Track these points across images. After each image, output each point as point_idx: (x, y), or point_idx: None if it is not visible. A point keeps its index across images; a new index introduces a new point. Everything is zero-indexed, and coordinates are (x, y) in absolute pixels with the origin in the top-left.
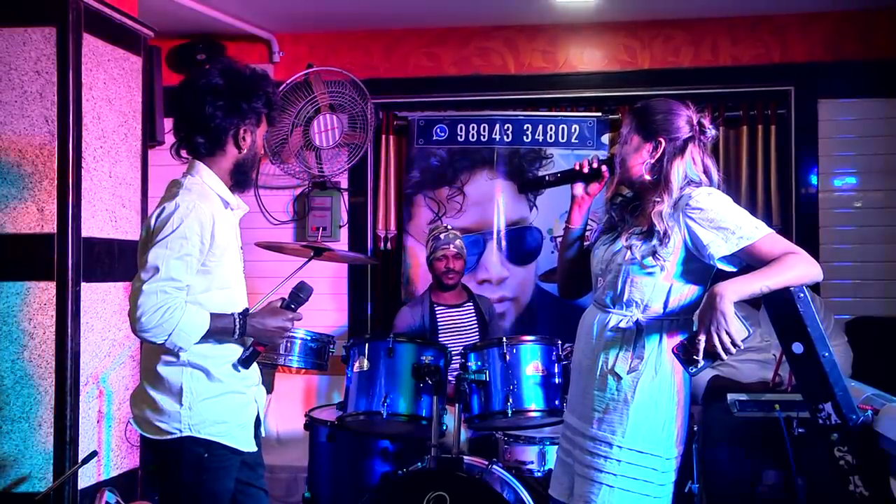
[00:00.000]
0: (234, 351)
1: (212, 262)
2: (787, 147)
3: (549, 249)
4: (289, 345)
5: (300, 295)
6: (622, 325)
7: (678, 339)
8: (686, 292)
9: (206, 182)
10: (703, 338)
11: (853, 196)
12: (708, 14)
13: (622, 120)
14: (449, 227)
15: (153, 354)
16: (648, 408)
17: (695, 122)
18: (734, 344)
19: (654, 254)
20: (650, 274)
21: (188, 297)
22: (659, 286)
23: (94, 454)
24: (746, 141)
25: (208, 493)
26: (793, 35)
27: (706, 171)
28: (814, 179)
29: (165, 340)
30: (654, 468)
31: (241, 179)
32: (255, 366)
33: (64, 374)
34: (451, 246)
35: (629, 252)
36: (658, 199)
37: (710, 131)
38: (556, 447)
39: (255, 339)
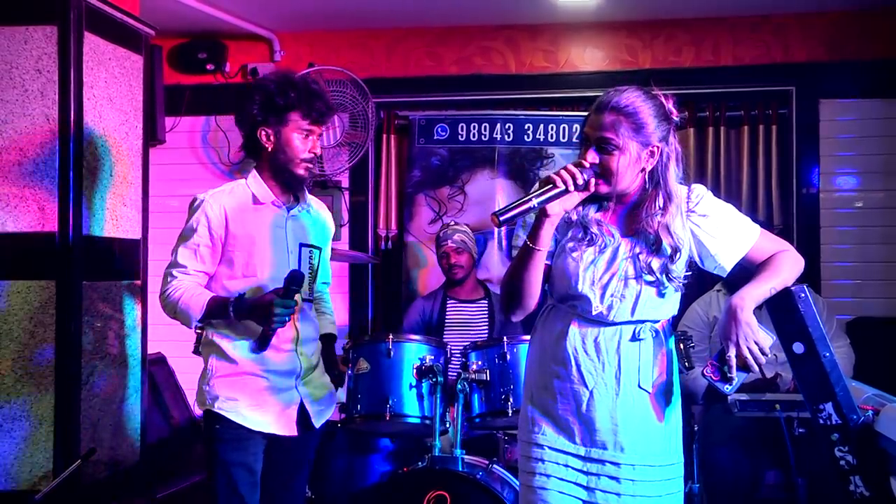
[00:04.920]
0: (252, 336)
1: (231, 251)
2: (788, 147)
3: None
4: None
5: (291, 284)
6: (641, 335)
7: (672, 342)
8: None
9: (248, 181)
10: (733, 352)
11: (854, 196)
12: (709, 14)
13: (599, 119)
14: (454, 222)
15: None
16: (672, 420)
17: (672, 110)
18: (763, 352)
19: (668, 269)
20: (666, 288)
21: (215, 283)
22: (672, 296)
23: (92, 451)
24: (747, 141)
25: (220, 460)
26: (794, 35)
27: (678, 162)
28: (815, 179)
29: (174, 316)
30: (682, 476)
31: (283, 179)
32: (296, 361)
33: (64, 372)
34: (450, 241)
35: (646, 271)
36: (659, 210)
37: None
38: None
39: (254, 321)
